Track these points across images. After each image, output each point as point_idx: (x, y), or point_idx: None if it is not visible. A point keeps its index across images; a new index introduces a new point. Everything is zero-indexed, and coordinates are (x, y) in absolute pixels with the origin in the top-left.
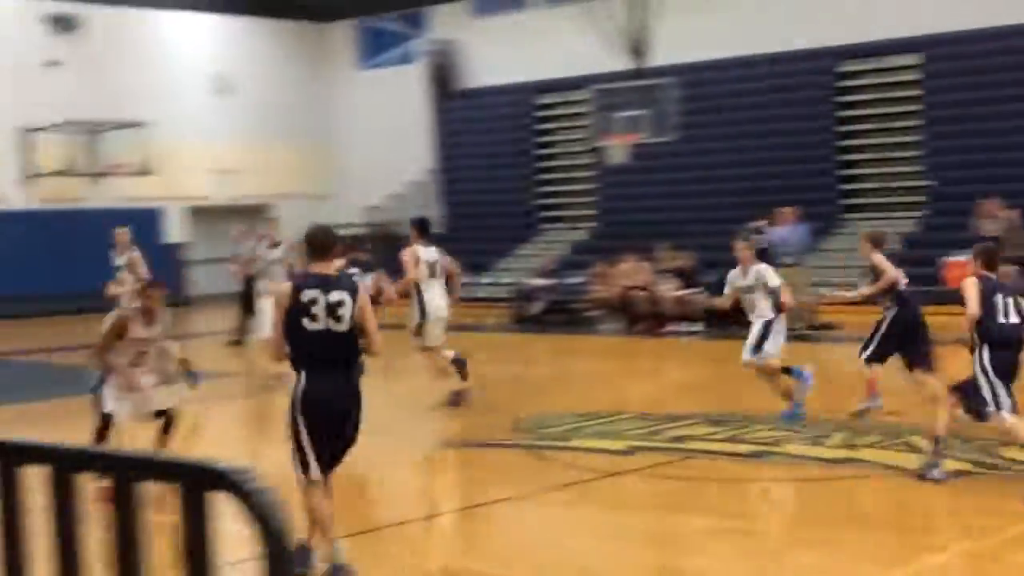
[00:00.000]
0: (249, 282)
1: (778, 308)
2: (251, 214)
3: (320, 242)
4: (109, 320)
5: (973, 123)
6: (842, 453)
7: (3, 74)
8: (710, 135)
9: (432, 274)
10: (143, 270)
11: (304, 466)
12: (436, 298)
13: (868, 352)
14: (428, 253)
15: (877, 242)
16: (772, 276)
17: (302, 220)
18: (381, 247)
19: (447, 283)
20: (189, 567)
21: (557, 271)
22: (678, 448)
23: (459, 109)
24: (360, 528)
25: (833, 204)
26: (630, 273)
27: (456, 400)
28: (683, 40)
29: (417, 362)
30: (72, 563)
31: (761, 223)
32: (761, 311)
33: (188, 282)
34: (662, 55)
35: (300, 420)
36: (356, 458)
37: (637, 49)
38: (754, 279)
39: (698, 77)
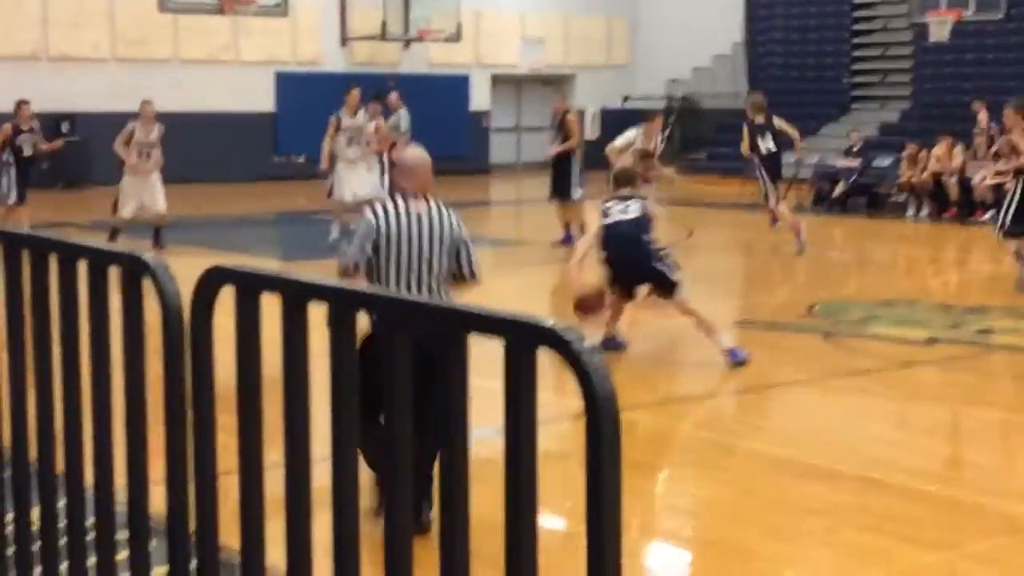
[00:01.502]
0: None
1: None
2: (554, 84)
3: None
4: None
5: None
6: None
7: None
8: None
9: None
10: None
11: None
12: None
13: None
14: None
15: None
16: None
17: (602, 91)
18: (683, 120)
19: None
20: (512, 420)
21: (863, 152)
22: (981, 342)
23: None
24: (640, 401)
25: None
26: (943, 157)
27: None
28: None
29: (734, 239)
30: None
31: None
32: None
33: (487, 150)
34: None
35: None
36: (647, 334)
37: None
38: None
39: None
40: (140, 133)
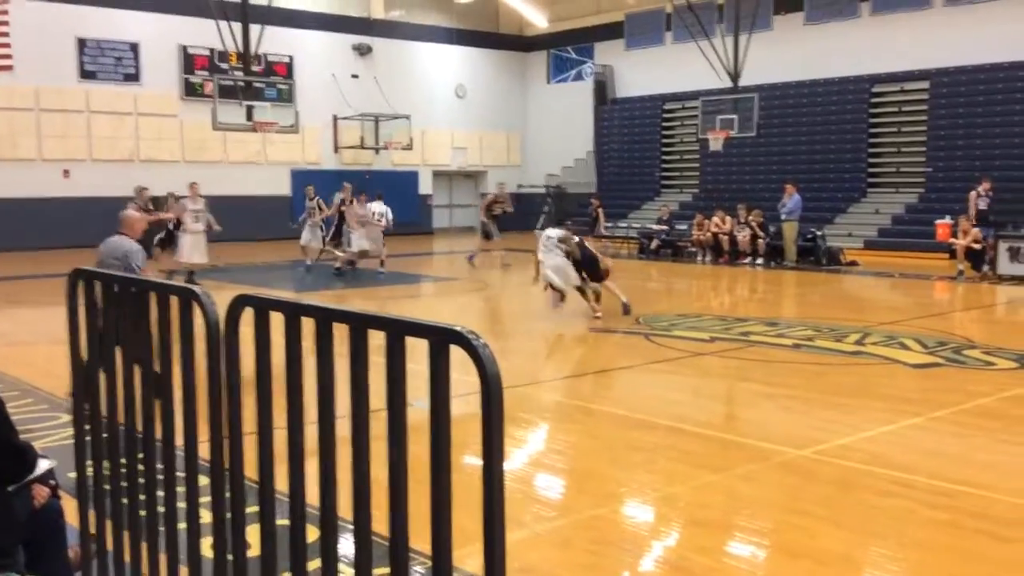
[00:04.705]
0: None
1: None
2: (473, 177)
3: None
4: None
5: (964, 130)
6: (855, 348)
7: (324, 82)
8: (778, 132)
9: None
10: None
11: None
12: None
13: None
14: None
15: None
16: None
17: (504, 181)
18: (555, 199)
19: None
20: (434, 396)
21: (670, 220)
22: (744, 339)
23: (611, 111)
24: (529, 381)
25: (861, 181)
26: (719, 223)
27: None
28: (763, 68)
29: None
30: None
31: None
32: None
33: (431, 219)
34: (748, 77)
35: None
36: (535, 337)
37: (732, 73)
38: None
39: (772, 93)
40: (191, 203)
